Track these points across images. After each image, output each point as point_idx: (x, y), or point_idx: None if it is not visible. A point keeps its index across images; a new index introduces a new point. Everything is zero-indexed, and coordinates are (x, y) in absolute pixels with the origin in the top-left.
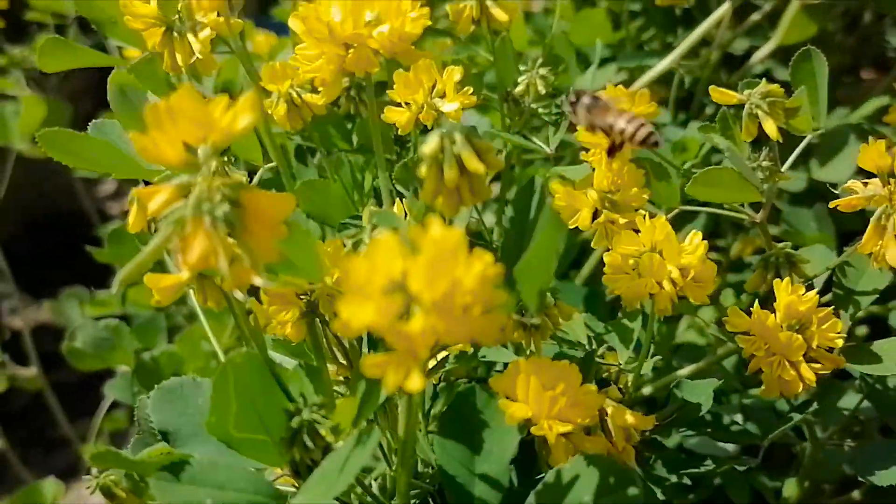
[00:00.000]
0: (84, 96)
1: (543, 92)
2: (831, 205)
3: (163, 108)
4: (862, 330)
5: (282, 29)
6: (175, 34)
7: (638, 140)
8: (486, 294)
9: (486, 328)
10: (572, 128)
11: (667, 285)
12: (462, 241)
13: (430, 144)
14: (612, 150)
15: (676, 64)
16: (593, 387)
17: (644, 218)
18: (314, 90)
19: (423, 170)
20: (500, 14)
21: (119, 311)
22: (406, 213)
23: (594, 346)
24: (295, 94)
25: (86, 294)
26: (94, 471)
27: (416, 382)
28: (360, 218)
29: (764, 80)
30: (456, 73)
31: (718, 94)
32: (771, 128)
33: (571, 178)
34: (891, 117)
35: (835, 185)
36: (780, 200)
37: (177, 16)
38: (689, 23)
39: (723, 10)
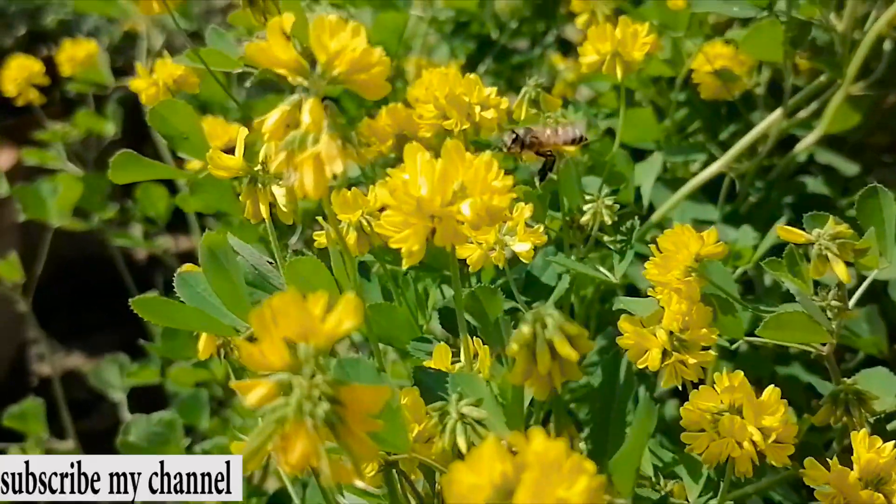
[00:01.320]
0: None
1: (609, 222)
2: None
3: (268, 315)
4: None
5: None
6: (259, 185)
7: (567, 141)
8: None
9: None
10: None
11: (748, 446)
12: (564, 453)
13: (523, 330)
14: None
15: (727, 168)
16: None
17: (722, 373)
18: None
19: (513, 349)
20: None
21: (157, 381)
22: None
23: (664, 484)
24: (365, 223)
25: (126, 360)
26: None
27: None
28: (426, 340)
29: (831, 219)
30: (526, 210)
31: (786, 232)
32: (842, 270)
33: (638, 312)
34: None
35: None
36: None
37: (259, 167)
38: (733, 114)
39: (774, 117)
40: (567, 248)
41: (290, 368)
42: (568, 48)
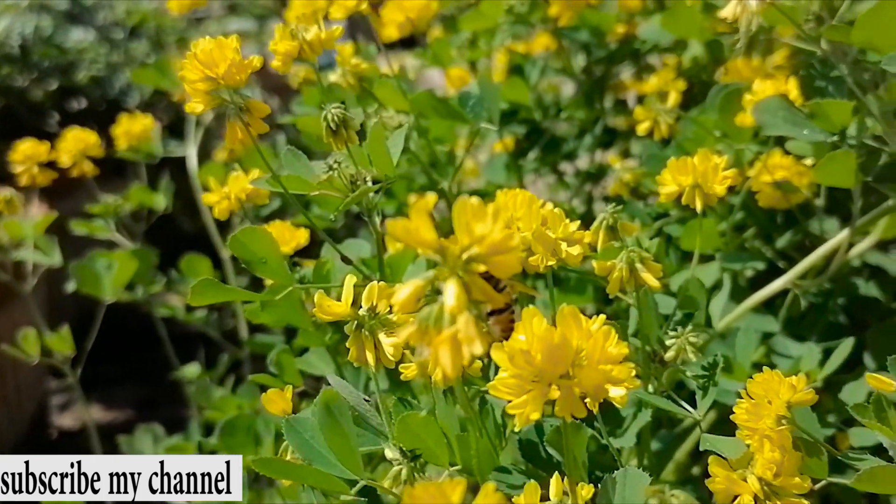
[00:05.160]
0: (166, 240)
1: (693, 359)
2: None
3: None
4: None
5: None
6: (365, 332)
7: None
8: None
9: None
10: None
11: None
12: None
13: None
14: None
15: (792, 284)
16: None
17: None
18: None
19: None
20: (650, 279)
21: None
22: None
23: None
24: None
25: (161, 432)
26: None
27: None
28: (506, 471)
29: None
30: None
31: (876, 381)
32: None
33: (725, 453)
34: None
35: None
36: None
37: (366, 311)
38: (789, 221)
39: (842, 237)
40: (647, 380)
41: None
42: (614, 136)
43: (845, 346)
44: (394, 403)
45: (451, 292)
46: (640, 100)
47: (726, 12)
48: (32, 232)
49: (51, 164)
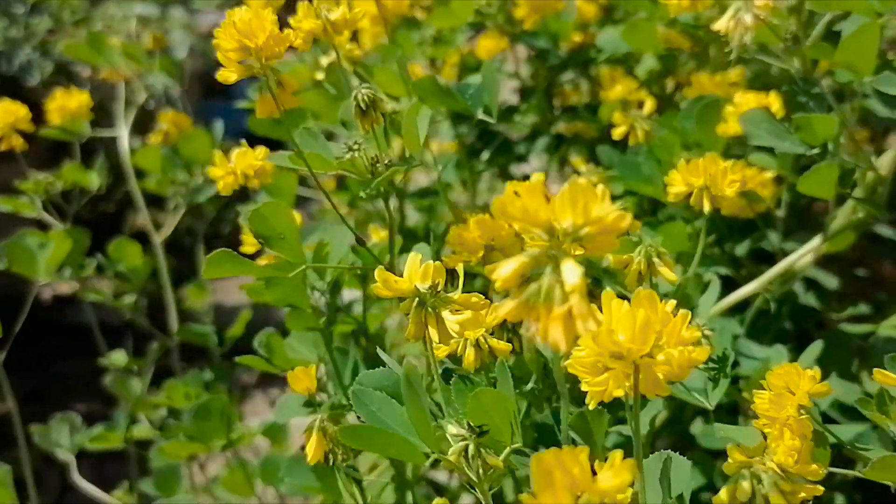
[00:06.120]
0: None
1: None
2: None
3: (548, 472)
4: None
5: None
6: (429, 309)
7: None
8: None
9: None
10: None
11: None
12: None
13: (742, 486)
14: None
15: (762, 289)
16: None
17: None
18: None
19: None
20: (667, 273)
21: (120, 446)
22: None
23: None
24: (482, 339)
25: (78, 421)
26: None
27: None
28: (523, 454)
29: None
30: None
31: (882, 376)
32: None
33: (742, 441)
34: None
35: None
36: None
37: (427, 289)
38: (747, 229)
39: (815, 244)
40: None
41: None
42: (560, 142)
43: (814, 349)
44: (455, 381)
45: (571, 270)
46: (589, 108)
47: (720, 25)
48: None
49: None
